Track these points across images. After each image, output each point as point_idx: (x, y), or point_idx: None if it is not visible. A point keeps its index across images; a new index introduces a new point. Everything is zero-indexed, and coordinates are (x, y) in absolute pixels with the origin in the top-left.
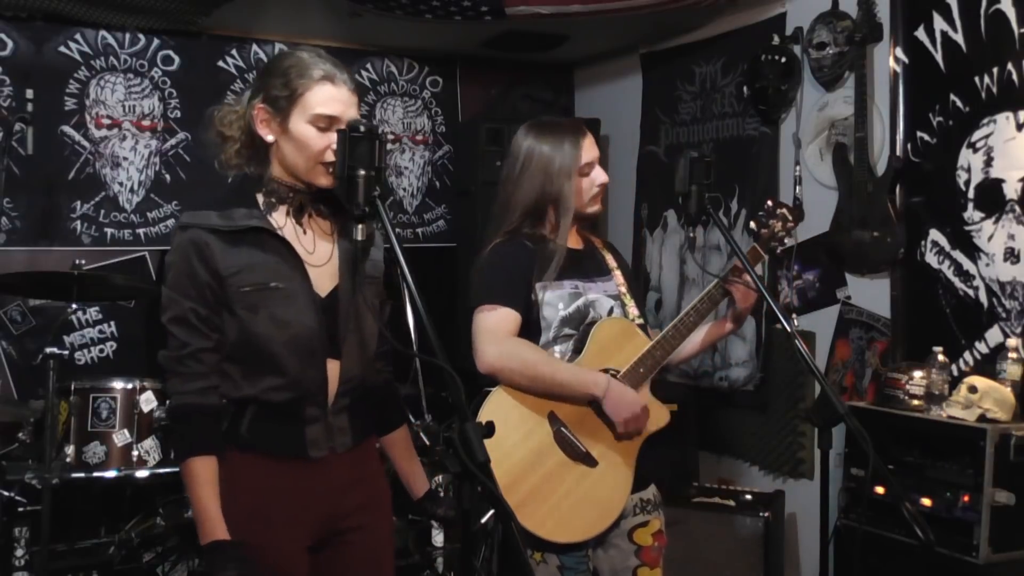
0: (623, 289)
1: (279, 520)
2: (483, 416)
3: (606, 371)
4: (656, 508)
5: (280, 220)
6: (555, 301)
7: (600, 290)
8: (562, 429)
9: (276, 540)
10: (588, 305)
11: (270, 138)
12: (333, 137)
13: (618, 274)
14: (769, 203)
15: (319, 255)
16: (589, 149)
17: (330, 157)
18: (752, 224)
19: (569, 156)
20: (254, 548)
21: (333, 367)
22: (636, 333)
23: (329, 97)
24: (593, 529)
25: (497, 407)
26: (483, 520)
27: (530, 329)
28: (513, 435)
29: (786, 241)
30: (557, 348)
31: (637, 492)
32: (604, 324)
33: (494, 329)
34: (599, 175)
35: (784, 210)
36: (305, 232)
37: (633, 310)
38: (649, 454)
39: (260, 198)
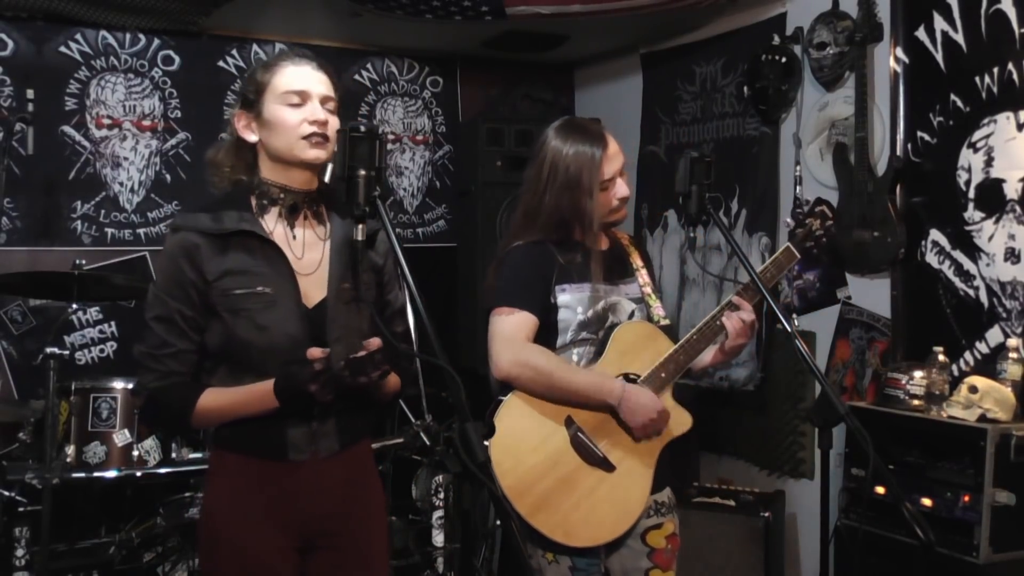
0: (648, 290)
1: (262, 519)
2: (500, 421)
3: (626, 376)
4: (671, 510)
5: (271, 224)
6: (573, 304)
7: (622, 293)
8: (579, 434)
9: (259, 538)
10: (608, 309)
11: (253, 138)
12: (308, 111)
13: (643, 274)
14: (808, 200)
15: (308, 262)
16: (611, 162)
17: (308, 130)
18: (788, 221)
19: (591, 173)
20: (237, 545)
21: None
22: (659, 336)
23: (292, 74)
24: (608, 534)
25: (514, 412)
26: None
27: (548, 331)
28: (529, 440)
29: (824, 240)
30: (575, 351)
31: (652, 494)
32: (625, 327)
33: (510, 335)
34: (620, 189)
35: (824, 207)
36: (295, 237)
37: (658, 311)
38: (666, 457)
39: (253, 201)
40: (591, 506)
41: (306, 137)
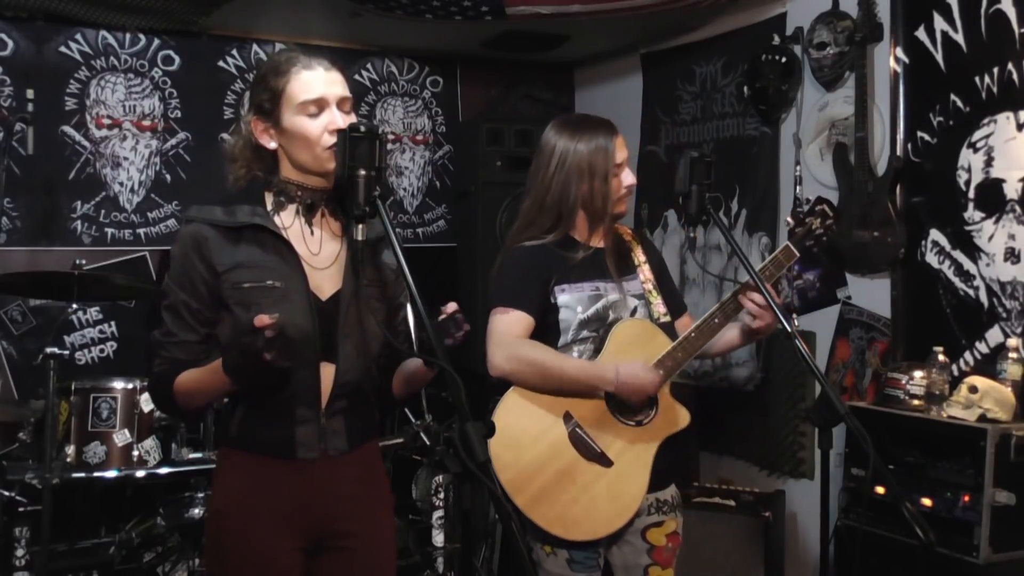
0: (649, 287)
1: (269, 518)
2: (498, 417)
3: None
4: (673, 509)
5: (288, 219)
6: (573, 304)
7: (624, 290)
8: (577, 429)
9: (266, 538)
10: (609, 307)
11: (272, 145)
12: (327, 119)
13: (645, 269)
14: (809, 199)
15: (324, 257)
16: (621, 149)
17: (330, 140)
18: (788, 220)
19: (604, 157)
20: (244, 546)
21: (328, 370)
22: (657, 334)
23: (307, 82)
24: (604, 529)
25: (513, 407)
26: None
27: (548, 331)
28: (528, 434)
29: (824, 239)
30: (576, 349)
31: (654, 492)
32: (623, 325)
33: (503, 332)
34: (627, 177)
35: (824, 206)
36: (313, 232)
37: (659, 308)
38: (668, 455)
39: (269, 198)
40: (589, 500)
41: (329, 148)
